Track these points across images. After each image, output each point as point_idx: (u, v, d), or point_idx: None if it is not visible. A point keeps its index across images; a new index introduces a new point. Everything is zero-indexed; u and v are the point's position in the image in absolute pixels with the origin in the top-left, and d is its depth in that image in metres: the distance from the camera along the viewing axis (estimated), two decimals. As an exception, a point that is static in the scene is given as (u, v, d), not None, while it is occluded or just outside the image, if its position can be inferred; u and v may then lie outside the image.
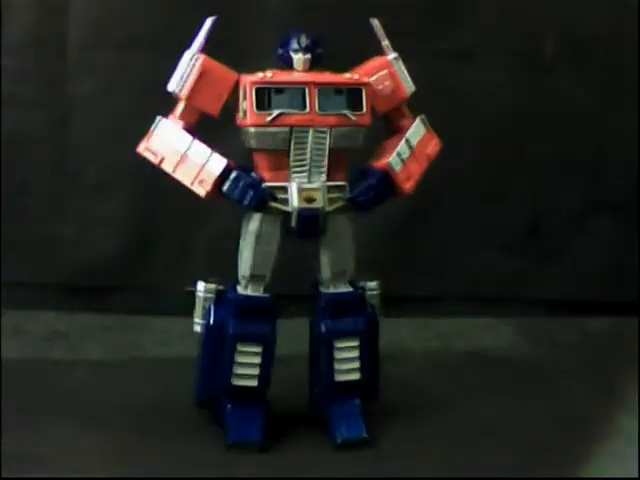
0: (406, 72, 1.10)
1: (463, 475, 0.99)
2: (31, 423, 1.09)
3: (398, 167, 1.07)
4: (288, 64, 1.05)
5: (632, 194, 1.60)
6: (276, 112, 1.01)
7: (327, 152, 1.03)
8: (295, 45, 1.04)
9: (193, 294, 1.07)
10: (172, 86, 1.04)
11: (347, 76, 1.05)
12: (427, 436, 1.09)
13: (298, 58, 1.04)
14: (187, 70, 1.03)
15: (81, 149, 1.56)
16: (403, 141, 1.08)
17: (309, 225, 1.04)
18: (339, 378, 1.07)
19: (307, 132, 1.02)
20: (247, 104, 1.02)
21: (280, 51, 1.06)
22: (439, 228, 1.61)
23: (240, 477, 0.98)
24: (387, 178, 1.07)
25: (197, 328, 1.07)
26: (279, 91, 1.02)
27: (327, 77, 1.04)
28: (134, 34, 1.53)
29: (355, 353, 1.08)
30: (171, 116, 1.05)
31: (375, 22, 1.09)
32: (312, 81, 1.03)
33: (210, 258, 1.54)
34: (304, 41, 1.04)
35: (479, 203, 1.61)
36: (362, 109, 1.04)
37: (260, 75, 1.02)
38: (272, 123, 1.01)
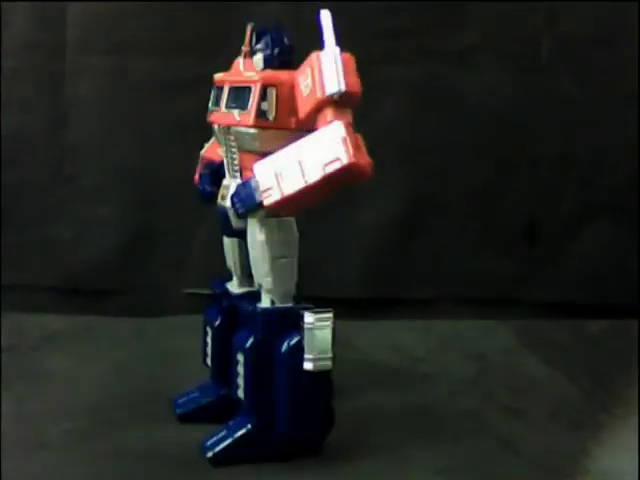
0: (339, 69, 0.90)
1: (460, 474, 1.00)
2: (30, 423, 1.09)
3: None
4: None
5: (631, 196, 1.60)
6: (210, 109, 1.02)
7: (237, 152, 1.00)
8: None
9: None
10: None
11: (248, 75, 0.98)
12: (423, 439, 1.08)
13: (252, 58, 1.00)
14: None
15: (80, 151, 1.56)
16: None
17: (224, 222, 1.03)
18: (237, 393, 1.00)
19: (219, 130, 1.02)
20: None
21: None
22: (437, 230, 1.61)
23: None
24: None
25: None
26: (219, 89, 1.02)
27: (236, 76, 1.00)
28: (132, 36, 1.53)
29: (240, 369, 0.99)
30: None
31: (325, 13, 0.93)
32: (228, 80, 1.00)
33: (208, 259, 1.54)
34: (252, 42, 1.00)
35: (478, 205, 1.61)
36: (246, 108, 0.96)
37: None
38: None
